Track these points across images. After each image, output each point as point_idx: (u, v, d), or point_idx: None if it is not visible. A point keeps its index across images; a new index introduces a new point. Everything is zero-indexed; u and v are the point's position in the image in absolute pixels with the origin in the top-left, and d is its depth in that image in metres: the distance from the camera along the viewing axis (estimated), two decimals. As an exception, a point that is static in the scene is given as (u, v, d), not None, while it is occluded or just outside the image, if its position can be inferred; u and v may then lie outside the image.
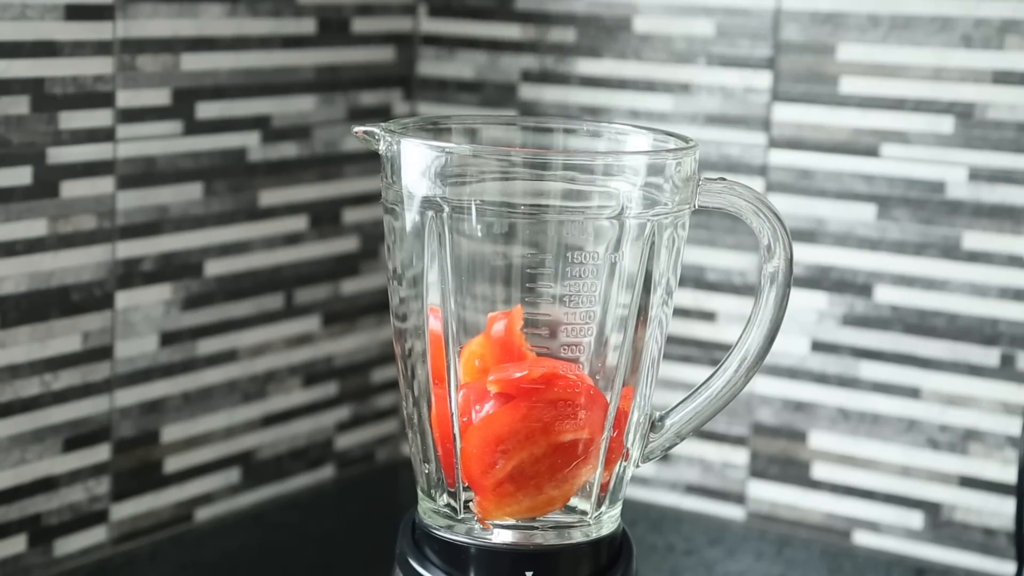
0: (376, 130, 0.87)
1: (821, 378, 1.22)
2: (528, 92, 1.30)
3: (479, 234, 0.84)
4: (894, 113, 1.17)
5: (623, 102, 1.27)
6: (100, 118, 1.09)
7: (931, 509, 1.19)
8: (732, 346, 0.90)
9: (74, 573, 1.11)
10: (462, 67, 1.33)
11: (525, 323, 0.86)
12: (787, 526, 1.24)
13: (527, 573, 0.87)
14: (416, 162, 0.84)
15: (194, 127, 1.16)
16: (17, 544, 1.08)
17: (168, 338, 1.17)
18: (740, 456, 1.26)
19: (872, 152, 1.18)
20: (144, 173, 1.13)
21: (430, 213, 0.84)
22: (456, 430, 0.87)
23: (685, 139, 0.89)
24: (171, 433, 1.18)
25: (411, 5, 1.33)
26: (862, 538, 1.22)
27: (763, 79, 1.21)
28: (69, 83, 1.07)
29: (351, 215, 1.31)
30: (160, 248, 1.15)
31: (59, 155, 1.07)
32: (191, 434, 1.19)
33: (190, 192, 1.17)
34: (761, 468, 1.25)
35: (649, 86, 1.26)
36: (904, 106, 1.17)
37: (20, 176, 1.05)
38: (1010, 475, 1.15)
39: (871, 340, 1.20)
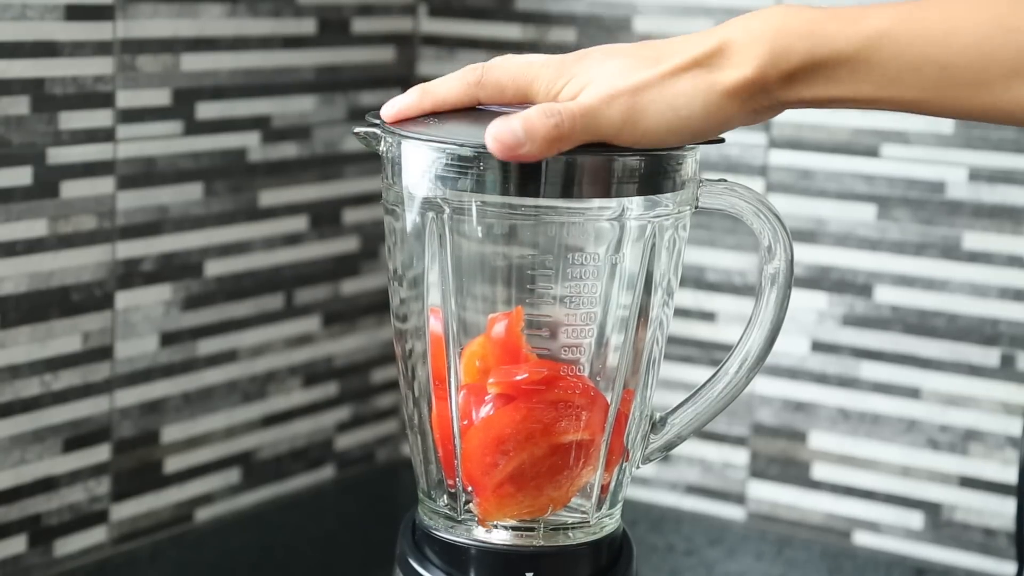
0: (377, 131, 0.86)
1: (821, 378, 1.22)
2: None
3: (480, 235, 0.84)
4: (894, 113, 1.17)
5: (623, 102, 1.26)
6: (100, 118, 1.09)
7: (931, 509, 1.19)
8: (733, 347, 0.90)
9: (74, 573, 1.11)
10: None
11: (526, 324, 0.86)
12: (787, 526, 1.24)
13: (527, 574, 0.87)
14: (416, 163, 0.84)
15: (194, 127, 1.16)
16: (17, 544, 1.08)
17: (168, 338, 1.17)
18: (740, 456, 1.26)
19: (872, 152, 1.18)
20: (144, 173, 1.13)
21: (431, 214, 0.84)
22: (456, 431, 0.87)
23: None
24: (171, 433, 1.18)
25: (411, 5, 1.33)
26: (862, 538, 1.22)
27: (763, 79, 1.21)
28: (69, 83, 1.07)
29: (351, 215, 1.31)
30: (160, 248, 1.15)
31: (59, 155, 1.07)
32: (191, 434, 1.19)
33: (190, 192, 1.17)
34: (761, 468, 1.25)
35: (649, 86, 1.26)
36: (904, 106, 1.17)
37: (20, 176, 1.05)
38: (1010, 475, 1.15)
39: (871, 340, 1.20)
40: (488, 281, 0.85)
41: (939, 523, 1.19)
